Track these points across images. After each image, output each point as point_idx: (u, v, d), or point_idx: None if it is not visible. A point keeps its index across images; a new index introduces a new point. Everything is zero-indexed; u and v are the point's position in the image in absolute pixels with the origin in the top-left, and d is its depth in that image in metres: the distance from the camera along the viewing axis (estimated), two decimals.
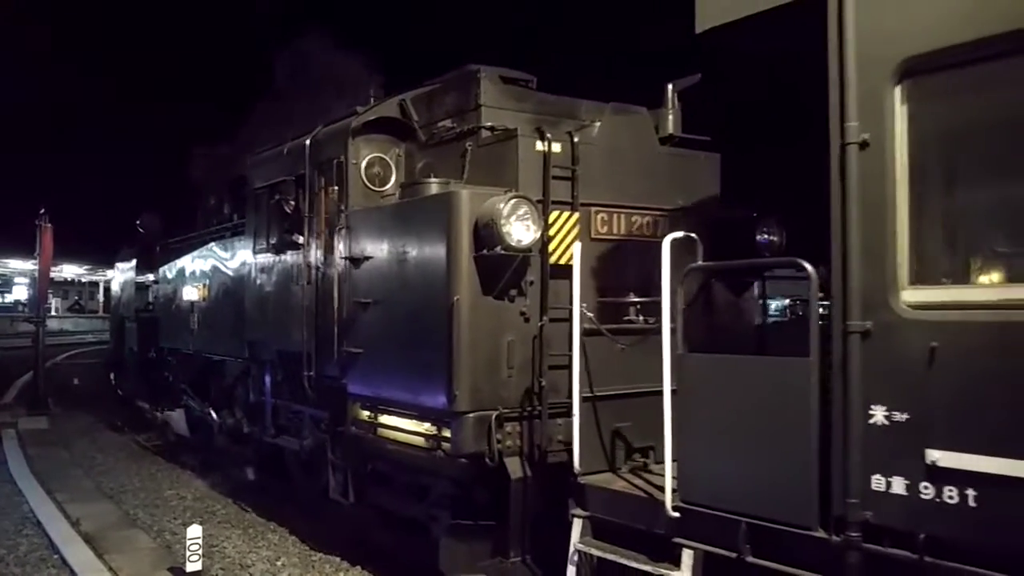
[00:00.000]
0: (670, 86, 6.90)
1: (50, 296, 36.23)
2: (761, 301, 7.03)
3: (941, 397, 3.41)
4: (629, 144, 6.58)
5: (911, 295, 3.54)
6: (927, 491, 3.47)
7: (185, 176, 15.20)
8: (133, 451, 14.00)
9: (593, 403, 5.42)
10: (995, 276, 3.50)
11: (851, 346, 3.66)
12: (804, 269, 3.96)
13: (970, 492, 3.34)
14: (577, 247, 5.36)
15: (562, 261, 5.91)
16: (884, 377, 3.60)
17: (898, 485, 3.56)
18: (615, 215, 6.40)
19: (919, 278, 3.56)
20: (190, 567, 6.93)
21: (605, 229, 6.34)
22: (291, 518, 9.08)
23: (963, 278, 3.59)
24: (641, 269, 6.16)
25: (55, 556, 7.95)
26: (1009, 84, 3.35)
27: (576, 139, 6.17)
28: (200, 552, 6.98)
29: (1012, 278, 3.39)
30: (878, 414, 3.62)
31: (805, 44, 4.01)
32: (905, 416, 3.53)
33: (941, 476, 3.42)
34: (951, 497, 3.40)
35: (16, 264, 59.87)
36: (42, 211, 19.20)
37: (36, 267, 21.06)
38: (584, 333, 5.40)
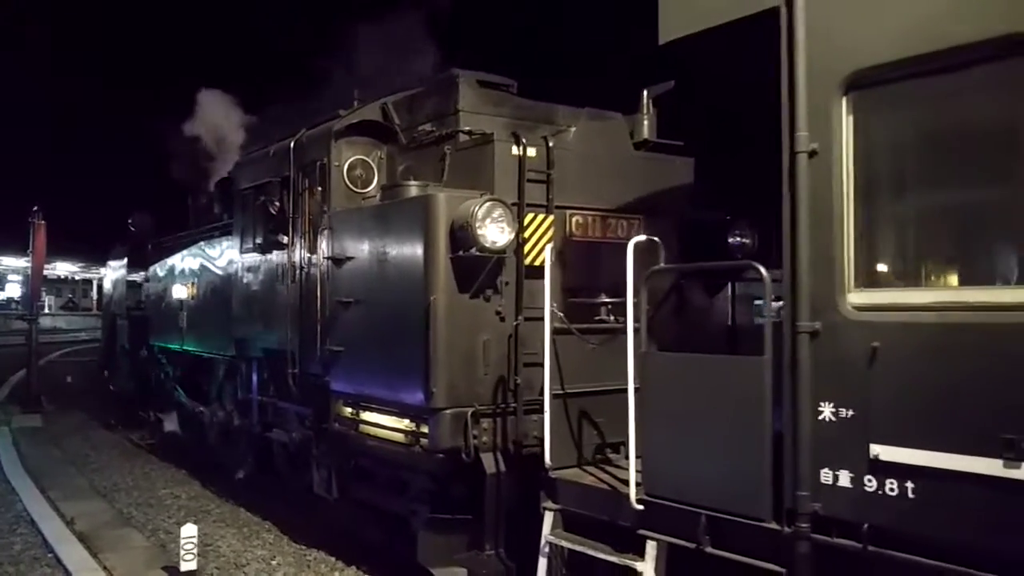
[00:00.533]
0: (645, 92, 7.06)
1: (43, 294, 36.29)
2: (732, 302, 7.20)
3: (883, 394, 3.59)
4: (604, 148, 6.75)
5: (856, 297, 3.72)
6: (870, 484, 3.65)
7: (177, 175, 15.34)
8: (127, 449, 14.03)
9: (565, 400, 5.59)
10: (932, 280, 3.68)
11: (801, 346, 3.84)
12: (760, 273, 4.13)
13: (909, 484, 3.52)
14: (548, 250, 5.53)
15: (537, 262, 6.07)
16: (831, 375, 3.77)
17: (844, 478, 3.74)
18: (590, 218, 6.57)
19: (864, 281, 3.73)
20: (184, 566, 6.90)
21: (580, 231, 6.52)
22: (286, 517, 9.08)
23: (903, 282, 3.77)
24: (614, 270, 6.30)
25: (49, 555, 7.94)
26: (943, 98, 3.53)
27: (551, 144, 6.35)
28: (195, 551, 6.98)
29: (947, 282, 3.58)
30: (826, 411, 3.79)
31: (761, 56, 4.18)
32: (851, 412, 3.71)
33: (883, 469, 3.59)
34: (892, 489, 3.57)
35: (9, 261, 59.78)
36: (35, 208, 19.30)
37: (29, 264, 21.14)
38: (556, 332, 5.57)
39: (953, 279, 3.58)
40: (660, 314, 6.31)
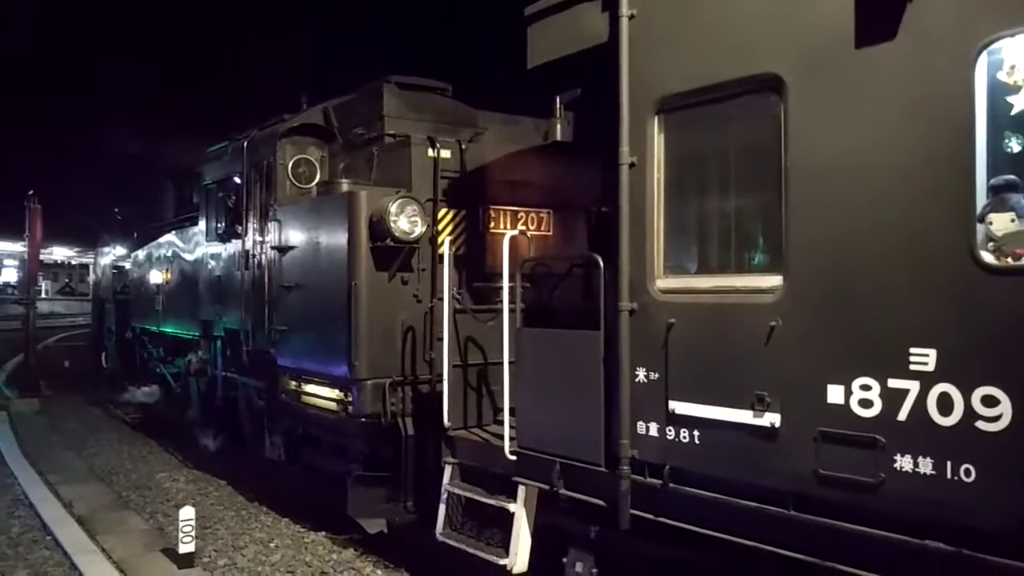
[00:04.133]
0: (558, 98, 7.89)
1: (40, 278, 37.00)
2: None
3: (676, 361, 4.45)
4: (516, 149, 7.58)
5: (662, 283, 4.57)
6: (670, 433, 4.51)
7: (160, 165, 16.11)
8: (125, 432, 14.17)
9: (464, 370, 6.46)
10: (710, 268, 4.54)
11: (622, 322, 4.69)
12: (597, 263, 4.98)
13: (695, 432, 4.39)
14: (447, 243, 6.36)
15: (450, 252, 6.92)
16: (644, 346, 4.62)
17: (653, 429, 4.61)
18: (502, 212, 7.43)
19: (667, 270, 4.59)
20: (183, 548, 7.05)
21: (492, 224, 7.37)
22: (284, 500, 9.14)
23: (692, 270, 4.63)
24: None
25: (48, 537, 8.09)
26: (720, 122, 4.38)
27: (464, 146, 7.19)
28: (193, 534, 7.12)
29: (720, 270, 4.44)
30: (640, 374, 4.66)
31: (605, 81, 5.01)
32: (656, 375, 4.57)
33: (677, 421, 4.46)
34: (684, 437, 4.44)
35: (5, 246, 60.06)
36: (31, 192, 19.77)
37: (26, 249, 21.70)
38: (457, 312, 6.43)
39: (724, 268, 4.44)
40: (566, 297, 7.15)
